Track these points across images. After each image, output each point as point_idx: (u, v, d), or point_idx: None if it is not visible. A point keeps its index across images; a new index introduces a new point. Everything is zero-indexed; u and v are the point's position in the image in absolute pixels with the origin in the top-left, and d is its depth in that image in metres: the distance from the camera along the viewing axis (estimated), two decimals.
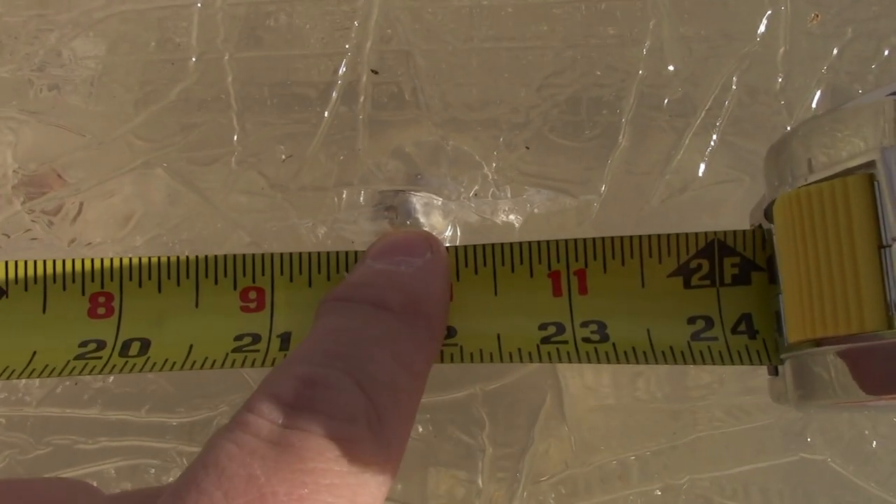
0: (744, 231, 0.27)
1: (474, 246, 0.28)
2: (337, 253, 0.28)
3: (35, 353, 0.27)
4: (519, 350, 0.27)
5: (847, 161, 0.22)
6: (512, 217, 0.34)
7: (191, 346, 0.27)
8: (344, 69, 0.34)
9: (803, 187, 0.23)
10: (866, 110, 0.22)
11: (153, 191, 0.34)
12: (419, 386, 0.24)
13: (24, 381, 0.32)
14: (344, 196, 0.34)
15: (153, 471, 0.32)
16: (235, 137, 0.34)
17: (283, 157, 0.34)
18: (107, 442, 0.32)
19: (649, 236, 0.27)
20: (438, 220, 0.34)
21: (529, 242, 0.28)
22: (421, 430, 0.32)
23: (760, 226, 0.27)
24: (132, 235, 0.33)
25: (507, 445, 0.32)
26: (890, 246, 0.21)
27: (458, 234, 0.34)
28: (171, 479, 0.32)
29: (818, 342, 0.23)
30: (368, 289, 0.25)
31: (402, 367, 0.23)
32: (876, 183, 0.22)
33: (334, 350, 0.23)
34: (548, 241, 0.28)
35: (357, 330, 0.24)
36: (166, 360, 0.27)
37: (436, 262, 0.26)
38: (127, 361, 0.27)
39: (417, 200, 0.34)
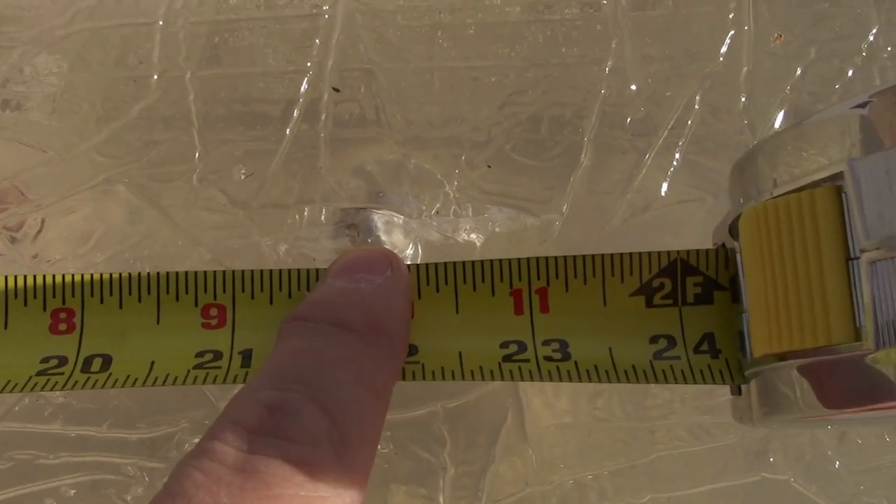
0: (707, 250, 0.27)
1: (436, 264, 0.28)
2: (298, 270, 0.28)
3: None
4: (481, 368, 0.27)
5: (813, 174, 0.22)
6: (473, 236, 0.34)
7: (152, 363, 0.28)
8: (305, 87, 0.34)
9: (770, 200, 0.23)
10: (831, 124, 0.22)
11: (114, 208, 0.34)
12: (382, 406, 0.24)
13: None
14: (305, 214, 0.34)
15: (114, 489, 0.32)
16: (197, 155, 0.34)
17: (244, 175, 0.34)
18: (68, 457, 0.32)
19: (612, 255, 0.27)
20: (400, 238, 0.34)
21: (491, 261, 0.28)
22: (381, 447, 0.32)
23: (724, 245, 0.27)
24: (93, 252, 0.33)
25: (468, 463, 0.32)
26: (858, 258, 0.21)
27: (420, 252, 0.34)
28: (131, 495, 0.32)
29: (783, 357, 0.23)
30: (329, 308, 0.25)
31: (364, 388, 0.23)
32: (844, 195, 0.22)
33: (296, 373, 0.23)
34: (509, 260, 0.28)
35: (318, 351, 0.24)
36: (128, 377, 0.27)
37: (396, 279, 0.26)
38: (89, 377, 0.27)
39: (379, 218, 0.34)
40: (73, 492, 0.31)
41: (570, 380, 0.27)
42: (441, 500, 0.33)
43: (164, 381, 0.27)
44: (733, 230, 0.25)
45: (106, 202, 0.34)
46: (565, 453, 0.33)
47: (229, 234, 0.34)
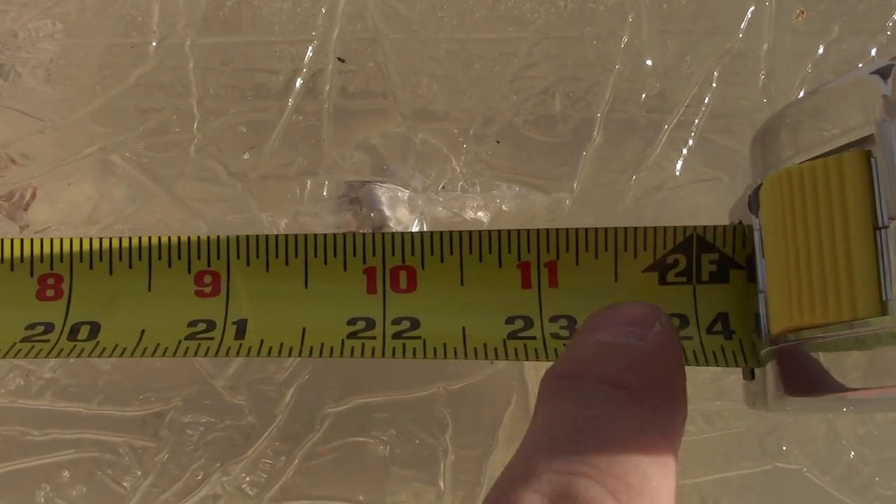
0: (724, 227, 0.26)
1: (441, 233, 0.27)
2: (296, 236, 0.27)
3: None
4: (485, 346, 0.26)
5: (839, 138, 0.21)
6: (480, 213, 0.33)
7: (142, 332, 0.27)
8: (310, 56, 0.33)
9: (794, 166, 0.22)
10: (852, 89, 0.21)
11: (109, 178, 0.33)
12: (672, 485, 0.21)
13: None
14: (308, 187, 0.33)
15: (107, 469, 0.31)
16: (195, 125, 0.33)
17: (245, 149, 0.33)
18: (57, 434, 0.31)
19: (625, 229, 0.26)
20: (405, 213, 0.33)
21: (499, 231, 0.27)
22: (382, 431, 0.31)
23: (741, 222, 0.26)
24: (87, 223, 0.32)
25: (470, 447, 0.31)
26: (887, 227, 0.20)
27: (425, 229, 0.33)
28: (121, 472, 0.31)
29: (802, 333, 0.22)
30: (599, 366, 0.22)
31: (655, 467, 0.20)
32: (873, 160, 0.20)
33: (576, 450, 0.20)
34: (518, 231, 0.27)
35: (597, 420, 0.21)
36: (116, 346, 0.26)
37: (668, 334, 0.23)
38: (76, 345, 0.26)
39: (383, 193, 0.33)
40: (66, 473, 0.30)
41: None
42: (441, 484, 0.31)
43: (154, 352, 0.26)
44: (753, 203, 0.24)
45: (101, 172, 0.33)
46: None
47: (228, 208, 0.33)
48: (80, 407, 0.31)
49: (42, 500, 0.31)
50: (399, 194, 0.33)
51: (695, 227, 0.26)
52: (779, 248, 0.22)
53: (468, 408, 0.32)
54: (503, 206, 0.33)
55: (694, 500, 0.32)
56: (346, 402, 0.32)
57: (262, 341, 0.27)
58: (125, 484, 0.31)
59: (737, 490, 0.32)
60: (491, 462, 0.32)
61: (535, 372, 0.32)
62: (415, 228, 0.33)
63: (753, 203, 0.24)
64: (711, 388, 0.32)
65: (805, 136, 0.22)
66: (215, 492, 0.31)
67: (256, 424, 0.31)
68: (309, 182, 0.33)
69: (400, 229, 0.32)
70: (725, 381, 0.33)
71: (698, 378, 0.32)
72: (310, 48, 0.33)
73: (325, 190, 0.33)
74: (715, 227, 0.26)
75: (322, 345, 0.27)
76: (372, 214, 0.33)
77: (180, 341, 0.26)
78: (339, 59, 0.34)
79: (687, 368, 0.30)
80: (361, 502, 0.31)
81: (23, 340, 0.26)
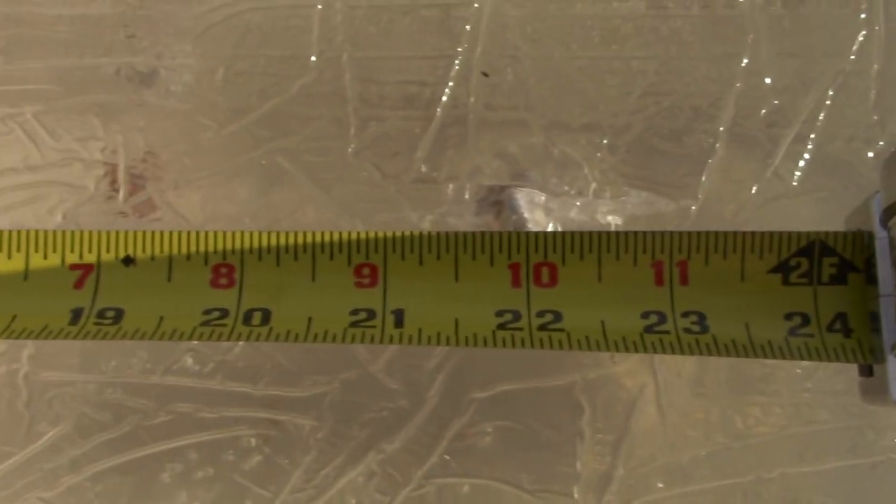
0: (844, 233, 0.28)
1: (580, 232, 0.29)
2: (447, 233, 0.29)
3: (162, 318, 0.29)
4: (624, 339, 0.28)
5: None
6: (610, 218, 0.36)
7: (310, 319, 0.29)
8: (457, 69, 0.36)
9: None
10: None
11: (273, 178, 0.36)
12: None
13: (144, 354, 0.34)
14: (451, 190, 0.36)
15: (273, 445, 0.34)
16: (352, 131, 0.36)
17: (398, 154, 0.36)
18: (227, 412, 0.34)
19: (752, 233, 0.28)
20: (541, 216, 0.36)
21: (635, 232, 0.29)
22: (521, 416, 0.34)
23: (859, 230, 0.28)
24: (250, 221, 0.35)
25: (605, 433, 0.34)
26: None
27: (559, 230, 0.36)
28: (285, 449, 0.33)
29: None
30: None
31: None
32: None
33: None
34: (653, 232, 0.29)
35: None
36: (289, 332, 0.29)
37: None
38: (252, 330, 0.29)
39: (522, 197, 0.36)
40: (233, 450, 0.33)
41: (710, 353, 0.28)
42: (578, 467, 0.34)
43: (325, 338, 0.29)
44: (883, 218, 0.26)
45: (265, 173, 0.36)
46: (704, 426, 0.34)
47: (381, 208, 0.35)
48: (248, 388, 0.34)
49: (212, 472, 0.34)
50: (536, 198, 0.36)
51: (817, 233, 0.29)
52: None
53: (603, 396, 0.34)
54: (634, 211, 0.36)
55: (786, 494, 0.34)
56: (490, 388, 0.34)
57: (420, 330, 0.29)
58: (289, 459, 0.33)
59: (828, 484, 0.35)
60: (624, 448, 0.34)
61: (664, 365, 0.34)
62: (549, 230, 0.36)
63: (884, 217, 0.27)
64: (804, 382, 0.35)
65: None
66: (371, 469, 0.34)
67: (408, 407, 0.34)
68: (452, 186, 0.36)
69: (537, 230, 0.35)
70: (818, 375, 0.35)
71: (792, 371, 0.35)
72: (456, 63, 0.36)
73: (467, 193, 0.36)
74: (836, 233, 0.29)
75: (475, 335, 0.29)
76: (513, 217, 0.36)
77: (346, 329, 0.29)
78: (483, 73, 0.36)
79: (779, 362, 0.33)
80: (504, 482, 0.34)
81: (202, 324, 0.29)
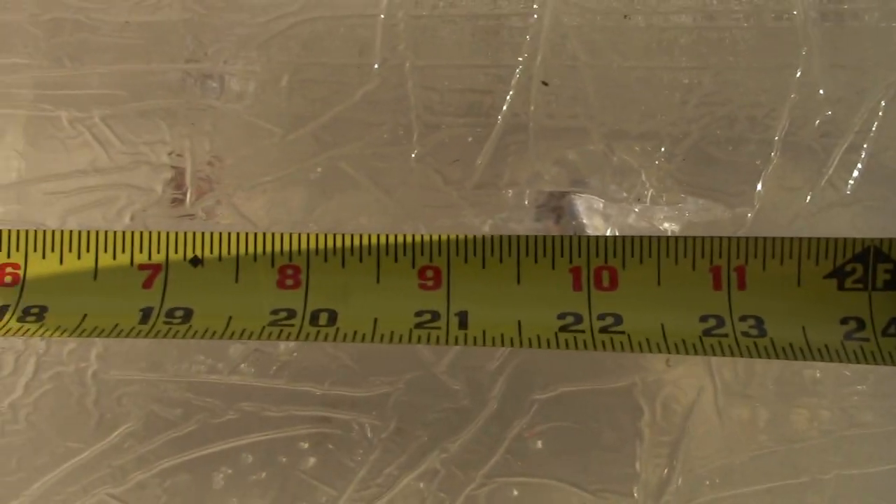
0: None
1: (640, 237, 0.30)
2: (509, 237, 0.30)
3: (231, 317, 0.30)
4: (683, 342, 0.29)
5: None
6: (667, 224, 0.37)
7: (375, 320, 0.30)
8: (517, 77, 0.37)
9: None
10: None
11: (337, 183, 0.36)
12: None
13: (211, 353, 0.34)
14: (511, 196, 0.37)
15: (337, 443, 0.34)
16: (415, 137, 0.37)
17: (460, 160, 0.36)
18: (292, 410, 0.34)
19: (808, 238, 0.29)
20: (600, 222, 0.37)
21: (694, 237, 0.30)
22: (582, 416, 0.34)
23: None
24: (313, 224, 0.36)
25: (664, 434, 0.34)
26: None
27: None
28: (351, 447, 0.34)
29: None
30: None
31: None
32: None
33: None
34: (711, 237, 0.30)
35: None
36: (356, 332, 0.29)
37: None
38: (319, 330, 0.29)
39: (581, 203, 0.36)
40: (303, 444, 0.34)
41: (768, 356, 0.29)
42: (637, 467, 0.34)
43: (391, 339, 0.29)
44: None
45: (328, 178, 0.36)
46: (752, 427, 0.34)
47: (443, 213, 0.36)
48: (313, 387, 0.34)
49: (277, 470, 0.34)
50: (595, 204, 0.37)
51: (872, 240, 0.29)
52: None
53: (662, 397, 0.35)
54: (691, 218, 0.36)
55: (837, 497, 0.34)
56: (551, 390, 0.35)
57: (484, 332, 0.30)
58: (354, 458, 0.34)
59: (879, 488, 0.35)
60: (682, 449, 0.35)
61: (721, 367, 0.35)
62: (608, 234, 0.36)
63: None
64: (853, 385, 0.35)
65: None
66: (434, 467, 0.34)
67: (471, 408, 0.34)
68: (513, 191, 0.37)
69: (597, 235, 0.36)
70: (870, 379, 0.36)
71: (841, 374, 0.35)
72: (517, 71, 0.37)
73: (527, 199, 0.37)
74: (891, 239, 0.29)
75: (538, 336, 0.30)
76: (573, 223, 0.36)
77: (411, 329, 0.30)
78: (543, 82, 0.37)
79: (827, 365, 0.33)
80: (564, 481, 0.34)
81: (271, 324, 0.30)
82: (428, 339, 0.30)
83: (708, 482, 0.34)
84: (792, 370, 0.36)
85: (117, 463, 0.34)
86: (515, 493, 0.34)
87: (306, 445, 0.34)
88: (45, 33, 0.36)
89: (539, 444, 0.34)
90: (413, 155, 0.36)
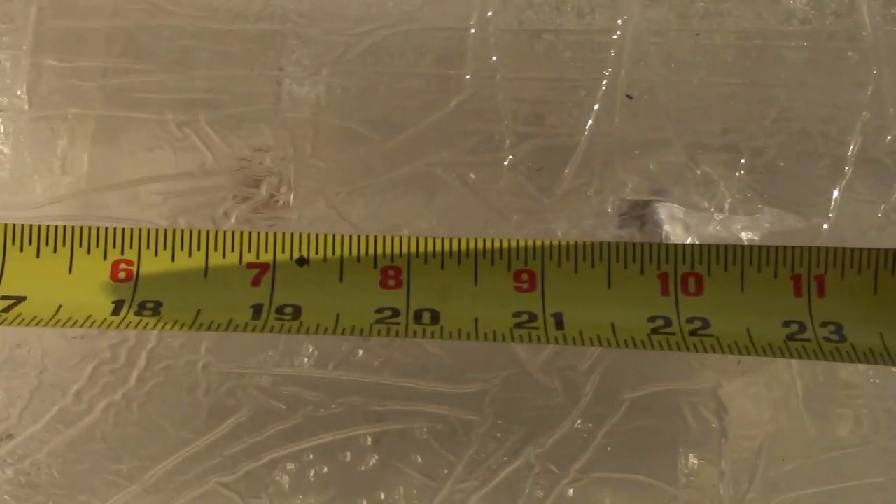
0: None
1: (725, 245, 0.31)
2: (601, 243, 0.31)
3: (339, 315, 0.31)
4: (770, 345, 0.31)
5: None
6: (745, 234, 0.38)
7: (476, 320, 0.31)
8: (603, 90, 0.39)
9: None
10: None
11: (430, 188, 0.38)
12: None
13: (315, 349, 0.36)
14: (596, 204, 0.38)
15: (437, 437, 0.36)
16: (507, 143, 0.38)
17: (546, 165, 0.38)
18: (394, 405, 0.35)
19: (885, 249, 0.31)
20: (681, 230, 0.38)
21: (776, 247, 0.31)
22: (670, 413, 0.36)
23: None
24: (410, 226, 0.37)
25: (749, 429, 0.36)
26: None
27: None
28: (450, 441, 0.35)
29: None
30: None
31: None
32: None
33: None
34: (792, 247, 0.31)
35: None
36: (460, 330, 0.31)
37: None
38: (424, 328, 0.31)
39: (663, 211, 0.38)
40: (407, 438, 0.35)
41: (850, 360, 0.31)
42: (722, 464, 0.36)
43: (494, 338, 0.31)
44: None
45: (423, 183, 0.38)
46: (837, 426, 0.36)
47: (533, 219, 0.38)
48: (414, 383, 0.36)
49: (379, 462, 0.35)
50: (676, 213, 0.38)
51: None
52: None
53: (746, 397, 0.37)
54: (769, 229, 0.38)
55: None
56: (641, 389, 0.36)
57: (581, 332, 0.32)
58: (453, 452, 0.35)
59: None
60: (765, 448, 0.36)
61: (803, 369, 0.37)
62: (688, 243, 0.38)
63: None
64: None
65: None
66: (530, 462, 0.36)
67: (564, 405, 0.36)
68: (597, 199, 0.38)
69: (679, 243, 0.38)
70: None
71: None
72: (603, 84, 0.39)
73: (610, 206, 0.38)
74: None
75: (633, 338, 0.32)
76: (657, 230, 0.38)
77: (511, 329, 0.31)
78: (627, 95, 0.39)
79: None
80: (653, 476, 0.36)
81: (377, 322, 0.31)
82: (529, 339, 0.31)
83: (790, 480, 0.36)
84: (881, 371, 0.37)
85: (227, 453, 0.35)
86: (606, 488, 0.36)
87: (408, 439, 0.36)
88: (151, 39, 0.38)
89: (629, 440, 0.36)
90: (505, 162, 0.38)
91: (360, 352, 0.36)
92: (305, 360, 0.36)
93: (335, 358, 0.36)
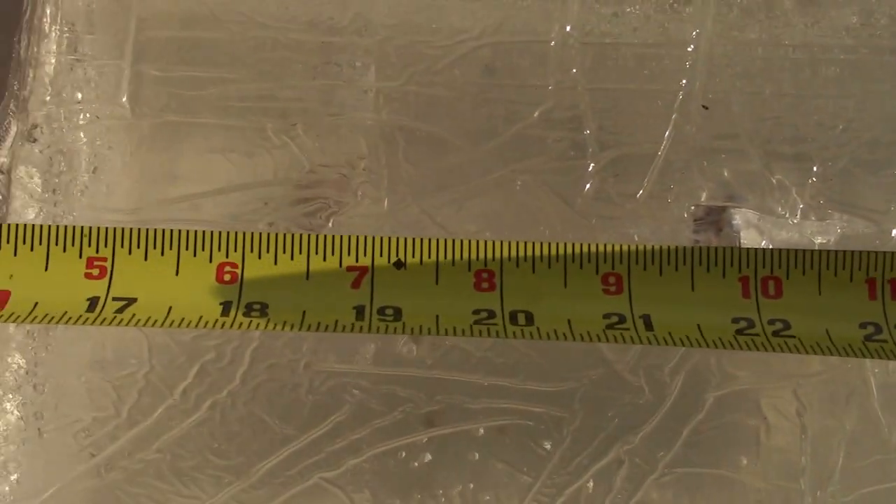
0: None
1: (804, 250, 0.33)
2: (684, 248, 0.33)
3: (438, 316, 0.32)
4: (850, 345, 0.33)
5: None
6: (818, 238, 0.40)
7: (569, 321, 0.33)
8: (680, 100, 0.40)
9: None
10: None
11: (516, 194, 0.39)
12: None
13: (415, 348, 0.37)
14: (675, 210, 0.40)
15: (529, 435, 0.37)
16: (589, 153, 0.40)
17: (627, 172, 0.40)
18: (489, 403, 0.37)
19: None
20: (755, 235, 0.40)
21: (851, 251, 0.33)
22: (752, 412, 0.38)
23: None
24: (497, 229, 0.39)
25: (826, 429, 0.38)
26: None
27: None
28: (543, 438, 0.37)
29: None
30: None
31: None
32: None
33: None
34: (867, 252, 0.33)
35: None
36: (555, 331, 0.32)
37: None
38: (521, 329, 0.32)
39: (739, 216, 0.40)
40: (499, 436, 0.36)
41: None
42: (803, 461, 0.37)
43: (589, 338, 0.32)
44: None
45: (509, 190, 0.39)
46: None
47: (615, 224, 0.39)
48: (507, 382, 0.37)
49: (476, 457, 0.37)
50: (751, 218, 0.40)
51: None
52: None
53: (821, 395, 0.38)
54: (841, 234, 0.40)
55: None
56: (724, 388, 0.38)
57: (670, 333, 0.33)
58: (546, 447, 0.37)
59: None
60: (844, 443, 0.38)
61: (880, 371, 0.38)
62: (763, 245, 0.40)
63: None
64: None
65: None
66: (619, 457, 0.37)
67: (651, 403, 0.37)
68: (675, 206, 0.40)
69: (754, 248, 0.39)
70: None
71: None
72: (680, 95, 0.41)
73: (687, 212, 0.40)
74: None
75: (720, 339, 0.33)
76: (734, 234, 0.40)
77: (603, 330, 0.33)
78: (703, 106, 0.41)
79: None
80: (737, 472, 0.37)
81: (475, 323, 0.33)
82: (623, 339, 0.33)
83: (868, 475, 0.37)
84: None
85: (331, 449, 0.36)
86: (692, 482, 0.37)
87: (503, 435, 0.37)
88: (249, 51, 0.39)
89: (714, 437, 0.37)
90: (589, 169, 0.40)
91: (456, 352, 0.37)
92: (403, 358, 0.37)
93: (433, 357, 0.37)
